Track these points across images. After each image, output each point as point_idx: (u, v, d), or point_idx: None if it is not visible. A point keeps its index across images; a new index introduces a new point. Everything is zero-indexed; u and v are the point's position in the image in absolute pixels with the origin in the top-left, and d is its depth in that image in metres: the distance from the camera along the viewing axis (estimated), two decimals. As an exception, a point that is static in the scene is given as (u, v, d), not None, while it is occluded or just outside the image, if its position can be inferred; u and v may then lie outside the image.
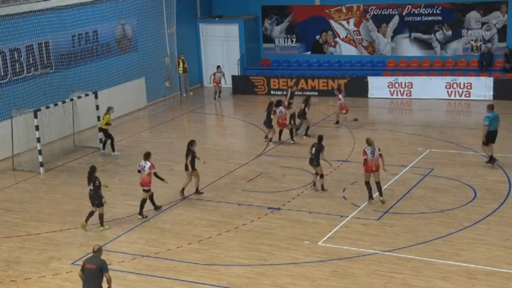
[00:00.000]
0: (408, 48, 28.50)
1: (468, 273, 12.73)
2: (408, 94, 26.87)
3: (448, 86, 26.19)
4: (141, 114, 26.61)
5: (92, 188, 15.42)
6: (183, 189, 17.38)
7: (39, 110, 20.21)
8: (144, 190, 16.16)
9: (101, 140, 21.74)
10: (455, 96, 26.13)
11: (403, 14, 28.23)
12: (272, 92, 28.86)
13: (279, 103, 21.85)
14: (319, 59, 29.98)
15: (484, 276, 12.58)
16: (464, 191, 16.80)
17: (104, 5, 25.11)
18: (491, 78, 25.71)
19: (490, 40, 27.07)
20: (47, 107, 20.64)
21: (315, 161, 17.28)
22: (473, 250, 13.65)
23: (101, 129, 21.57)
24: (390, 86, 27.07)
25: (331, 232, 14.92)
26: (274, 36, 30.80)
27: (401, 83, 26.95)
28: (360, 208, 16.13)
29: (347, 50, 29.63)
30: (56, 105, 20.98)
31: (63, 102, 21.49)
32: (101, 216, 15.59)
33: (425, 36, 28.12)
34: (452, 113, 25.18)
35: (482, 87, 25.73)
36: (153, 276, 13.35)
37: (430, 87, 26.41)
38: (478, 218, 15.13)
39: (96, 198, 15.48)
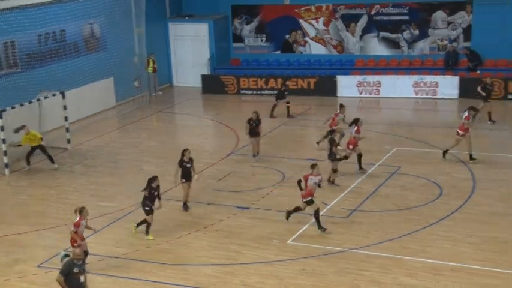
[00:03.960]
0: (376, 48, 28.79)
1: (434, 270, 12.92)
2: (376, 93, 27.14)
3: (415, 85, 26.52)
4: (109, 114, 26.42)
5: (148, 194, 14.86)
6: (185, 203, 16.37)
7: (5, 110, 19.91)
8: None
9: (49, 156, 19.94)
10: (422, 95, 26.47)
11: (372, 13, 28.50)
12: (242, 91, 28.89)
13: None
14: (289, 59, 30.10)
15: (449, 272, 12.79)
16: (430, 188, 17.04)
17: (71, 4, 24.83)
18: (457, 77, 26.12)
19: (456, 39, 27.49)
20: (13, 107, 20.35)
21: (331, 155, 17.40)
22: (439, 246, 13.86)
23: (38, 147, 19.65)
24: (359, 85, 27.31)
25: (300, 230, 15.01)
26: (244, 35, 30.83)
27: (369, 81, 27.22)
28: (328, 206, 16.26)
29: (316, 49, 29.80)
30: (22, 105, 20.70)
31: (30, 102, 21.21)
32: (143, 222, 15.00)
33: (393, 36, 28.44)
34: (419, 112, 25.50)
35: (448, 85, 26.12)
36: (121, 277, 13.27)
37: (398, 86, 26.71)
38: (444, 214, 15.37)
39: (144, 205, 14.90)
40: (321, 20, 29.43)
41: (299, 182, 15.06)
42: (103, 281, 13.11)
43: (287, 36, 30.15)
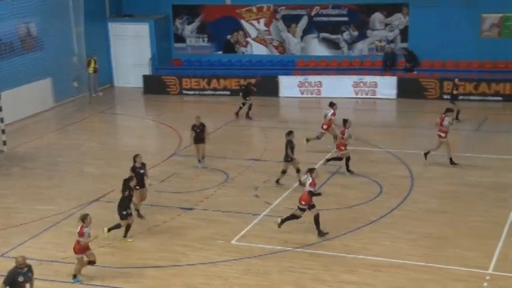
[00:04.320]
0: (317, 48, 29.18)
1: (373, 266, 13.24)
2: (317, 93, 27.51)
3: (355, 85, 27.02)
4: (47, 115, 25.84)
5: (120, 198, 14.53)
6: (138, 211, 15.77)
7: None
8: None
9: None
10: (361, 95, 26.99)
11: (312, 14, 28.87)
12: (184, 92, 28.78)
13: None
14: (231, 59, 30.16)
15: (388, 268, 13.12)
16: (370, 186, 17.42)
17: (5, 3, 24.17)
18: (395, 78, 26.76)
19: (393, 40, 28.17)
20: None
21: (287, 157, 17.34)
22: (378, 244, 14.20)
23: None
24: (300, 85, 27.62)
25: (244, 230, 15.09)
26: (185, 35, 30.71)
27: (311, 82, 27.57)
28: (272, 206, 16.41)
29: (258, 49, 29.97)
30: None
31: (-36, 103, 20.56)
32: (116, 226, 14.60)
33: (333, 37, 28.89)
34: (359, 111, 25.98)
35: (386, 86, 26.73)
36: (62, 282, 13.04)
37: (338, 86, 27.13)
38: (384, 212, 15.74)
39: (121, 209, 14.50)
40: (262, 21, 29.62)
41: (310, 192, 14.42)
42: (43, 286, 12.83)
43: (229, 37, 30.21)
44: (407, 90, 26.34)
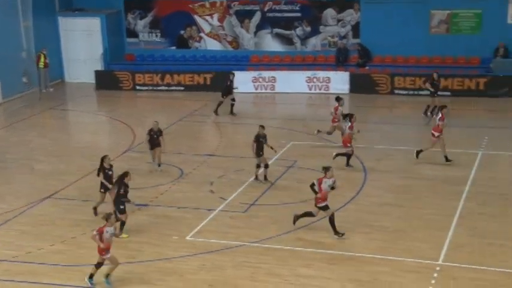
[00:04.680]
0: (270, 44, 29.26)
1: (329, 260, 13.37)
2: (271, 88, 27.61)
3: (308, 80, 27.21)
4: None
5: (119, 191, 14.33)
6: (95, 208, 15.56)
7: None
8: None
9: None
10: (315, 90, 27.21)
11: (265, 10, 28.92)
12: (137, 87, 28.47)
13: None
14: (185, 54, 29.97)
15: (343, 261, 13.27)
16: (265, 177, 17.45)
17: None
18: (348, 73, 27.06)
19: (345, 36, 28.48)
20: None
21: (259, 152, 17.21)
22: (333, 237, 14.32)
23: None
24: (254, 81, 27.66)
25: (199, 226, 15.04)
26: (138, 30, 30.36)
27: (265, 77, 27.63)
28: (227, 201, 16.39)
29: (212, 45, 29.87)
30: None
31: None
32: (121, 224, 14.41)
33: (286, 32, 29.02)
34: (312, 106, 26.20)
35: (339, 81, 27.01)
36: (11, 281, 12.73)
37: (292, 82, 27.31)
38: (338, 206, 15.88)
39: (118, 204, 14.36)
40: (215, 16, 29.52)
41: (312, 185, 14.18)
42: (-7, 286, 12.53)
43: (182, 32, 30.01)
44: (360, 85, 26.67)
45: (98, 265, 12.55)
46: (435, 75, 23.30)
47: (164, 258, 13.59)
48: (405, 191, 16.74)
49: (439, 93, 23.48)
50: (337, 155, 18.54)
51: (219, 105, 24.25)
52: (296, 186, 17.25)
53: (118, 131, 23.07)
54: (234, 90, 24.40)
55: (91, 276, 12.54)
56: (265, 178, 17.45)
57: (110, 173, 15.33)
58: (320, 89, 27.20)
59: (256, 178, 17.46)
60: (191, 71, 28.36)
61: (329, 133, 20.49)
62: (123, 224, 14.49)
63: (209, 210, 15.86)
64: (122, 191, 14.38)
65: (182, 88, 28.11)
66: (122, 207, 14.43)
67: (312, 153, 19.88)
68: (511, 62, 25.50)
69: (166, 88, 28.22)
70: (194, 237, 14.53)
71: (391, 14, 27.23)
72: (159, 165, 18.50)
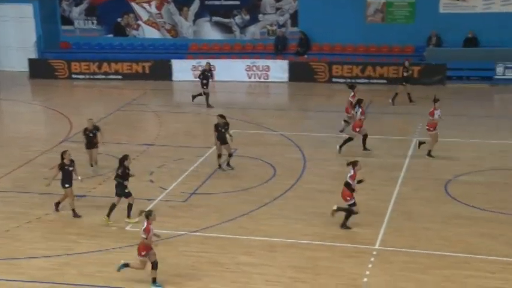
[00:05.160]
0: (210, 32, 29.14)
1: (269, 247, 13.51)
2: (211, 76, 27.44)
3: (248, 69, 27.28)
4: None
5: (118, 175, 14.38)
6: (59, 203, 15.15)
7: None
8: None
9: None
10: (254, 78, 27.31)
11: (204, -3, 28.77)
12: (73, 76, 27.89)
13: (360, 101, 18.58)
14: (122, 42, 29.51)
15: (284, 248, 13.44)
16: (265, 169, 17.70)
17: None
18: (286, 61, 27.26)
19: (284, 25, 28.64)
20: None
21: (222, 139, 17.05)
22: (273, 225, 14.50)
23: None
24: (194, 69, 27.50)
25: (139, 217, 14.89)
26: (73, 17, 29.69)
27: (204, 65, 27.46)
28: (167, 191, 16.31)
29: (150, 33, 29.50)
30: None
31: None
32: (129, 207, 14.54)
33: (225, 20, 28.96)
34: (252, 95, 26.31)
35: (278, 69, 27.19)
36: None
37: (232, 70, 27.30)
38: (278, 194, 16.07)
39: (122, 189, 14.44)
40: (153, 4, 29.16)
41: (348, 184, 13.93)
42: None
43: (119, 20, 29.51)
44: (298, 73, 26.92)
45: (155, 266, 12.09)
46: (406, 63, 23.48)
47: (103, 249, 13.43)
48: (343, 178, 16.91)
49: (410, 81, 23.42)
50: (341, 146, 18.37)
51: (205, 96, 23.56)
52: (236, 175, 17.30)
53: (54, 120, 22.55)
54: (210, 80, 23.73)
55: (154, 281, 12.13)
56: (228, 164, 17.40)
57: (71, 169, 14.91)
58: (259, 78, 27.31)
59: (220, 167, 17.43)
60: (129, 60, 27.98)
61: (348, 123, 19.68)
62: (130, 207, 14.50)
63: (149, 200, 15.74)
64: (120, 172, 14.40)
65: (120, 77, 27.70)
66: (126, 191, 14.46)
67: (253, 141, 19.97)
68: (443, 51, 26.25)
69: (103, 77, 27.75)
70: (134, 227, 14.40)
71: (329, 3, 27.53)
72: (92, 165, 17.60)
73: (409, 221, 14.37)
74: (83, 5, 29.51)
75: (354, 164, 14.07)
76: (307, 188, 16.47)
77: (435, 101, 18.03)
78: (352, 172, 14.00)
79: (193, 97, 23.88)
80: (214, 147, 17.61)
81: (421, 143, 18.32)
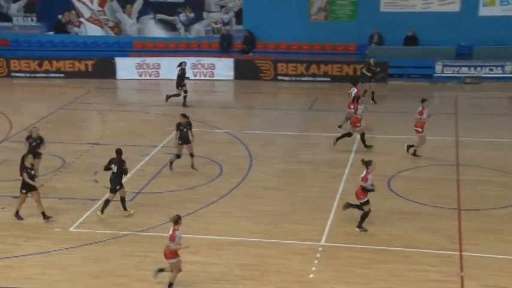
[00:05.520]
0: (154, 30, 28.88)
1: (216, 245, 13.50)
2: (156, 75, 27.30)
3: (193, 67, 27.13)
4: None
5: (116, 171, 14.35)
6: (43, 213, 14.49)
7: None
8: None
9: None
10: (200, 76, 27.21)
11: (147, -5, 28.50)
12: (13, 74, 27.18)
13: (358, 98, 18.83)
14: (63, 40, 28.93)
15: (230, 246, 13.45)
16: (211, 167, 17.67)
17: None
18: (232, 59, 27.27)
19: (229, 23, 28.63)
20: None
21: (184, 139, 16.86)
22: (220, 223, 14.49)
23: None
24: (138, 67, 27.21)
25: (83, 217, 14.68)
26: (11, 14, 28.90)
27: (149, 63, 27.27)
28: (111, 191, 16.07)
29: (92, 30, 29.02)
30: None
31: None
32: (123, 200, 14.59)
33: (170, 18, 28.74)
34: (198, 93, 26.18)
35: (224, 67, 27.17)
36: None
37: (177, 68, 27.02)
38: (224, 192, 16.07)
39: (117, 183, 14.37)
40: (95, 1, 28.68)
41: (364, 188, 13.75)
42: None
43: (60, 16, 28.90)
44: (244, 71, 26.98)
45: (161, 270, 11.95)
46: (372, 61, 23.67)
47: (45, 251, 13.15)
48: (289, 175, 17.19)
49: (374, 79, 23.50)
50: (337, 139, 18.51)
51: (175, 95, 23.27)
52: (183, 173, 17.21)
53: (-7, 120, 21.93)
54: (186, 81, 23.31)
55: (170, 285, 11.86)
56: (192, 165, 17.22)
57: (33, 172, 14.44)
58: (205, 76, 27.23)
59: (192, 167, 17.21)
60: (71, 58, 27.44)
61: (348, 119, 19.56)
62: (123, 200, 14.53)
63: (93, 200, 15.49)
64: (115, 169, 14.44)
65: (62, 75, 27.14)
66: (118, 186, 14.45)
67: (199, 139, 19.84)
68: (385, 49, 26.76)
69: (45, 75, 27.14)
70: (78, 228, 14.16)
71: (273, 1, 27.67)
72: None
73: (354, 217, 14.59)
74: (22, 1, 28.75)
75: (367, 163, 13.97)
76: (254, 185, 16.52)
77: (423, 101, 17.90)
78: (364, 172, 13.89)
79: (168, 97, 23.44)
80: (182, 147, 17.16)
81: (409, 147, 17.90)
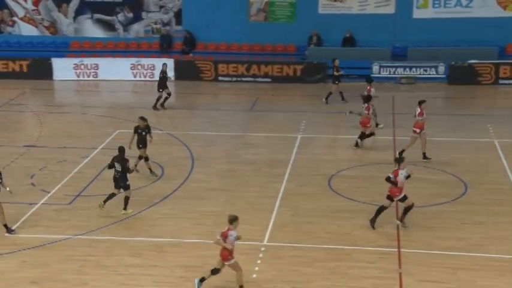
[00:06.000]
0: (91, 30, 28.41)
1: (158, 247, 13.40)
2: (94, 75, 26.86)
3: (132, 67, 26.84)
4: None
5: (120, 169, 14.43)
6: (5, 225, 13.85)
7: None
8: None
9: None
10: (140, 77, 26.93)
11: (84, -6, 28.01)
12: None
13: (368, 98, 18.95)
14: (-3, 39, 28.13)
15: (172, 248, 13.38)
16: (153, 168, 17.47)
17: None
18: (172, 60, 27.07)
19: (169, 23, 28.44)
20: None
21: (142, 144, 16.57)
22: (162, 225, 14.39)
23: None
24: (76, 68, 26.72)
25: (20, 221, 14.31)
26: None
27: (87, 64, 26.82)
28: (50, 194, 15.76)
29: (27, 30, 28.32)
30: None
31: None
32: (126, 200, 14.65)
33: (108, 18, 28.32)
34: (138, 94, 25.93)
35: (164, 68, 26.93)
36: None
37: (116, 69, 26.76)
38: (166, 193, 15.96)
39: (123, 181, 14.48)
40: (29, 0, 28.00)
41: (389, 179, 13.71)
42: None
43: (-7, 15, 28.10)
44: (185, 72, 26.85)
45: (215, 271, 11.72)
46: (337, 62, 23.74)
47: (-19, 258, 12.76)
48: (231, 176, 17.22)
49: (341, 80, 23.56)
50: (357, 143, 18.63)
51: (158, 99, 22.79)
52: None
53: None
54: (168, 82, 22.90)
55: (202, 280, 11.74)
56: (135, 166, 16.77)
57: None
58: (145, 76, 26.97)
59: (150, 171, 16.91)
60: (5, 58, 26.68)
61: (360, 114, 19.19)
62: (127, 199, 14.64)
63: (31, 204, 15.12)
64: (128, 165, 14.63)
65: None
66: (127, 183, 14.56)
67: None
68: (324, 50, 27.15)
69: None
70: (21, 233, 13.78)
71: (212, 2, 27.65)
72: None
73: (296, 217, 14.76)
74: (-48, -1, 27.82)
75: (400, 160, 14.01)
76: (196, 187, 16.48)
77: (421, 102, 17.65)
78: (395, 168, 13.90)
79: (155, 105, 22.96)
80: (140, 150, 16.80)
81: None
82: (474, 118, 20.91)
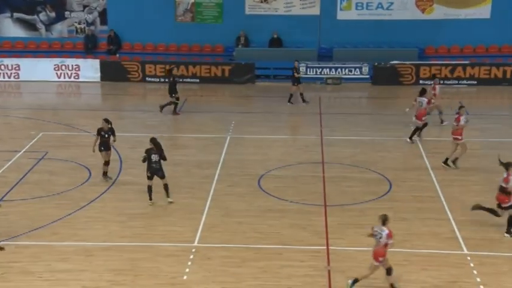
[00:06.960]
0: (11, 29, 27.51)
1: (86, 251, 13.13)
2: (16, 76, 26.08)
3: (56, 68, 26.19)
4: None
5: (159, 159, 14.92)
6: None
7: None
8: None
9: None
10: (64, 78, 26.30)
11: (4, -8, 27.08)
12: None
13: (423, 92, 19.55)
14: None
15: (101, 252, 13.14)
16: (79, 171, 17.14)
17: None
18: (98, 60, 26.59)
19: (93, 23, 27.89)
20: None
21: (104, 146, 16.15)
22: (90, 228, 14.11)
23: None
24: (-5, 69, 25.84)
25: None
26: None
27: (7, 65, 26.02)
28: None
29: None
30: None
31: None
32: (167, 187, 15.26)
33: (29, 17, 27.49)
34: (62, 95, 25.31)
35: (89, 68, 26.43)
36: None
37: (39, 69, 26.05)
38: (94, 196, 15.66)
39: (161, 170, 15.10)
40: None
41: (502, 188, 13.44)
42: None
43: None
44: (111, 73, 26.40)
45: (389, 271, 11.71)
46: (296, 64, 23.67)
47: None
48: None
49: (300, 81, 23.65)
50: (413, 133, 19.26)
51: (168, 104, 22.06)
52: (47, 179, 16.56)
53: None
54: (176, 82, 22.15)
55: (355, 281, 11.76)
56: (104, 174, 16.48)
57: None
58: (70, 77, 26.36)
59: (104, 174, 16.51)
60: None
61: (428, 114, 19.91)
62: (167, 186, 15.21)
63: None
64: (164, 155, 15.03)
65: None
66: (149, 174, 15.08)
67: (65, 143, 19.24)
68: (251, 51, 27.33)
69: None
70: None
71: (138, 2, 27.32)
72: None
73: (226, 217, 14.80)
74: None
75: (508, 165, 13.66)
76: (125, 189, 16.24)
77: (460, 107, 17.35)
78: (505, 175, 13.63)
79: (162, 107, 22.27)
80: (102, 154, 16.44)
81: (451, 161, 17.37)
82: (397, 117, 21.56)
